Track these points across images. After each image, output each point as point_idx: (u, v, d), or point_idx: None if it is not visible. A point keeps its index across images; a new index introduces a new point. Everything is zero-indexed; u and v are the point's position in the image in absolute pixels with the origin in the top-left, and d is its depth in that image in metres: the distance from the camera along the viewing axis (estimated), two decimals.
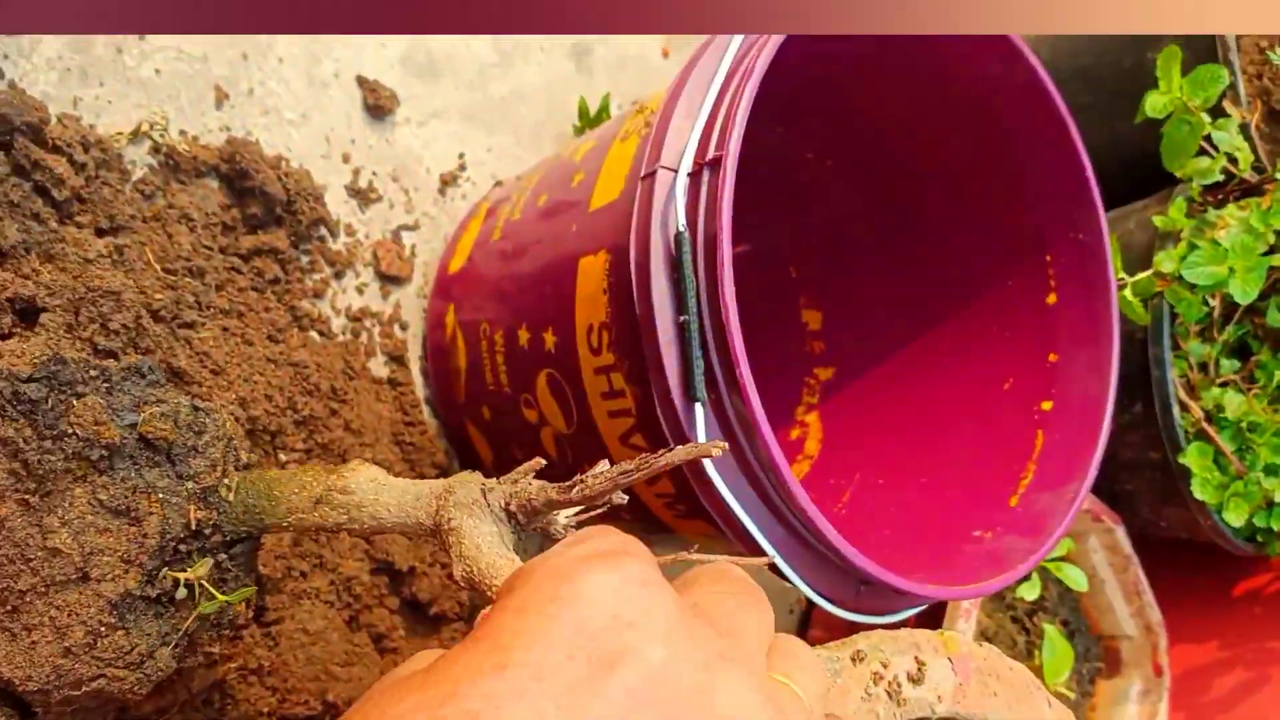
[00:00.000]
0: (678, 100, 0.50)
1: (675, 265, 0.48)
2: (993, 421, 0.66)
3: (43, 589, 0.41)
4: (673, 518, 0.57)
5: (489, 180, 0.75)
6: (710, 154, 0.48)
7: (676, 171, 0.48)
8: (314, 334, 0.65)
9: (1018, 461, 0.64)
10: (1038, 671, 0.81)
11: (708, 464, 0.48)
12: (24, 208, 0.55)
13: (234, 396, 0.56)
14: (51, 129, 0.56)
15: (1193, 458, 0.76)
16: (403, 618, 0.65)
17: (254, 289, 0.63)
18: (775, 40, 0.49)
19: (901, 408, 0.71)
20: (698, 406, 0.48)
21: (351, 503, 0.43)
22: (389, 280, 0.69)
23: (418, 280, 0.70)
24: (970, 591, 0.55)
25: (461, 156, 0.74)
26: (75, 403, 0.42)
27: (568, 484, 0.38)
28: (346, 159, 0.69)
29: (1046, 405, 0.65)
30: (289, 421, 0.60)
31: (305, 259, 0.66)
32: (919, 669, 0.47)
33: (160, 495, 0.43)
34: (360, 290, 0.68)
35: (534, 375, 0.58)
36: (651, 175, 0.49)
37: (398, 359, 0.68)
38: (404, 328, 0.69)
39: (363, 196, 0.69)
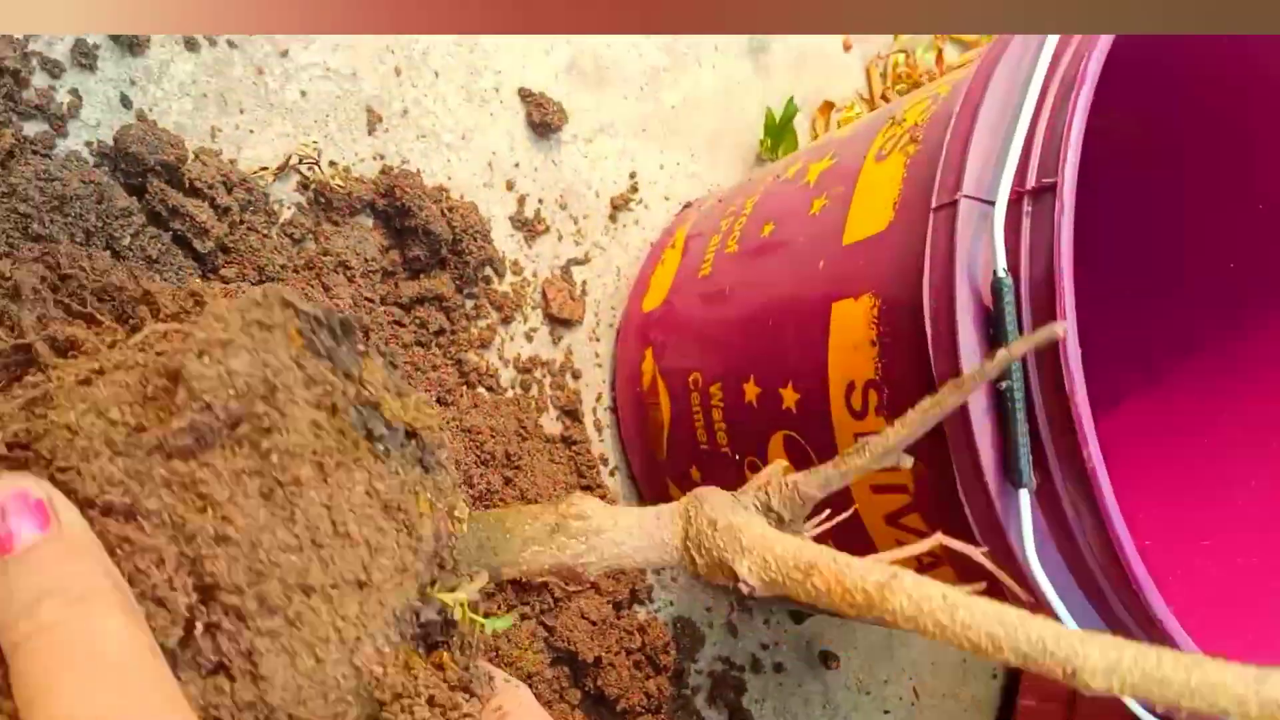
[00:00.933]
0: (976, 113, 0.40)
1: (990, 318, 0.38)
2: None
3: (331, 589, 0.31)
4: None
5: (661, 202, 0.66)
6: (1032, 180, 0.38)
7: (993, 203, 0.38)
8: (483, 390, 0.56)
9: None
10: None
11: (1030, 557, 0.39)
12: (165, 263, 0.47)
13: None
14: (189, 167, 0.48)
15: None
16: (585, 713, 0.57)
17: (419, 343, 0.54)
18: (1106, 41, 0.39)
19: (1168, 450, 0.61)
20: (1022, 493, 0.38)
21: (590, 528, 0.35)
22: (559, 323, 0.60)
23: (589, 322, 0.62)
24: None
25: (633, 176, 0.65)
26: (364, 360, 0.33)
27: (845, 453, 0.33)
28: (510, 186, 0.60)
29: None
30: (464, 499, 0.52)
31: (470, 304, 0.57)
32: None
33: (429, 497, 0.34)
34: (529, 336, 0.59)
35: (765, 437, 0.49)
36: (951, 206, 0.39)
37: (571, 413, 0.59)
38: (576, 376, 0.60)
39: (529, 229, 0.60)
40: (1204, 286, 0.60)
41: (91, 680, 0.25)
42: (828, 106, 0.72)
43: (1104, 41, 0.39)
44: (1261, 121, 0.53)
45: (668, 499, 0.58)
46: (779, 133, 0.67)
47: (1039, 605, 0.39)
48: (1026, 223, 0.38)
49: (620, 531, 0.35)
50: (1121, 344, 0.64)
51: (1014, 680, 0.77)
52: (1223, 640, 0.49)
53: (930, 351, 0.40)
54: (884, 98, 0.74)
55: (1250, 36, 0.47)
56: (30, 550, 0.26)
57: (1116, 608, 0.40)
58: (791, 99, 0.68)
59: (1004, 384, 0.38)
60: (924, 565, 0.45)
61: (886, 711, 0.71)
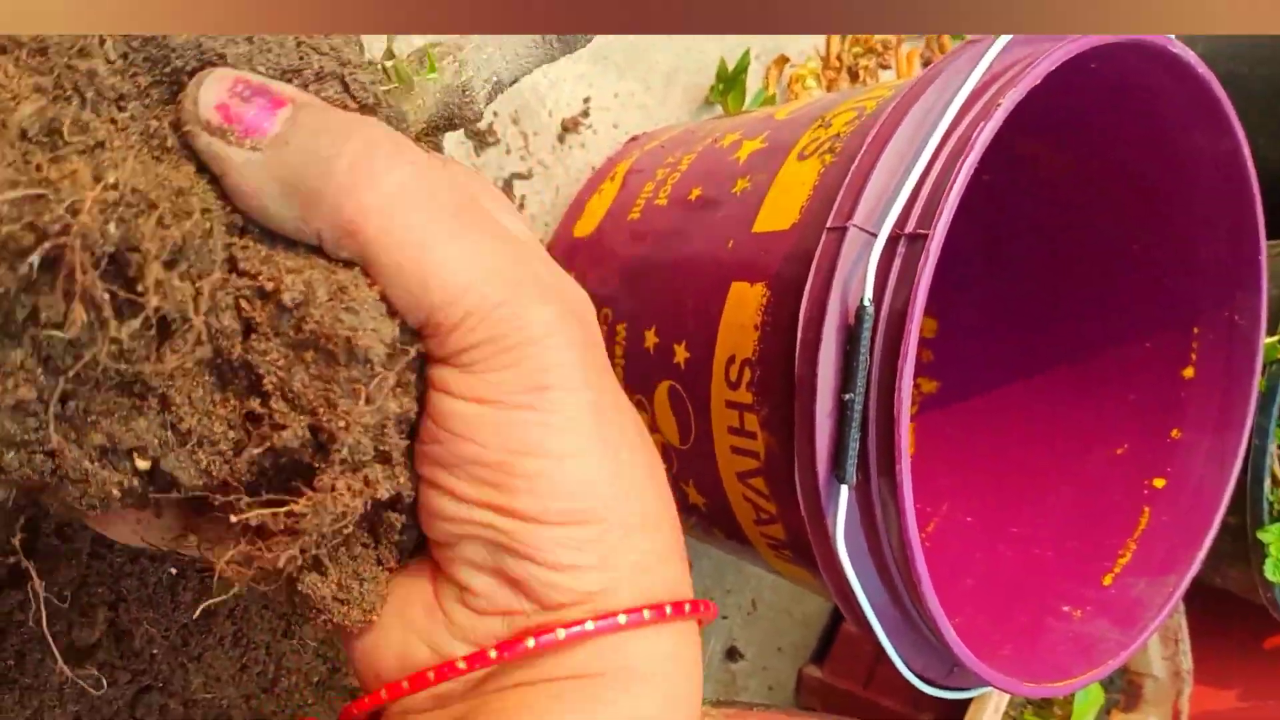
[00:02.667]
0: (883, 149, 0.45)
1: (849, 338, 0.44)
2: (1097, 486, 0.64)
3: None
4: (773, 556, 0.55)
5: (610, 129, 0.70)
6: (911, 225, 0.43)
7: (875, 236, 0.44)
8: None
9: (1117, 536, 0.62)
10: (1064, 705, 0.81)
11: (839, 541, 0.46)
12: None
13: None
14: None
15: (1272, 536, 0.75)
16: None
17: None
18: (1003, 111, 0.44)
19: (1002, 446, 0.69)
20: (843, 488, 0.45)
21: None
22: None
23: None
24: (1062, 689, 0.54)
25: (586, 101, 0.69)
26: None
27: None
28: None
29: (1159, 482, 0.62)
30: None
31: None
32: None
33: None
34: None
35: (654, 383, 0.55)
36: (841, 231, 0.45)
37: None
38: None
39: (480, 139, 0.64)
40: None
41: (475, 223, 0.27)
42: (782, 60, 0.76)
43: (1009, 99, 0.44)
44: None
45: None
46: (730, 82, 0.70)
47: (835, 566, 0.47)
48: (897, 262, 0.44)
49: None
50: (985, 364, 0.71)
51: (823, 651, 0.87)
52: (985, 614, 0.58)
53: (797, 349, 0.46)
54: (839, 58, 0.78)
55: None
56: (308, 111, 0.26)
57: (901, 591, 0.47)
58: (747, 51, 0.71)
59: (848, 395, 0.44)
60: (761, 520, 0.53)
61: (724, 616, 0.80)
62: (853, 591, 0.47)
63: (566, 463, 0.27)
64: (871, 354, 0.44)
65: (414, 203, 0.26)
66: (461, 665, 0.28)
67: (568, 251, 0.64)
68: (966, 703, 0.74)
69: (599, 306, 0.59)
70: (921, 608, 0.47)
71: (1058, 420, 0.67)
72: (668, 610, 0.28)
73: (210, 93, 0.25)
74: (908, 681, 0.77)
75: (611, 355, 0.58)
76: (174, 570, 0.48)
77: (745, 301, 0.50)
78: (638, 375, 0.56)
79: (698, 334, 0.52)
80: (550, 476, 0.27)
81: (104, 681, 0.44)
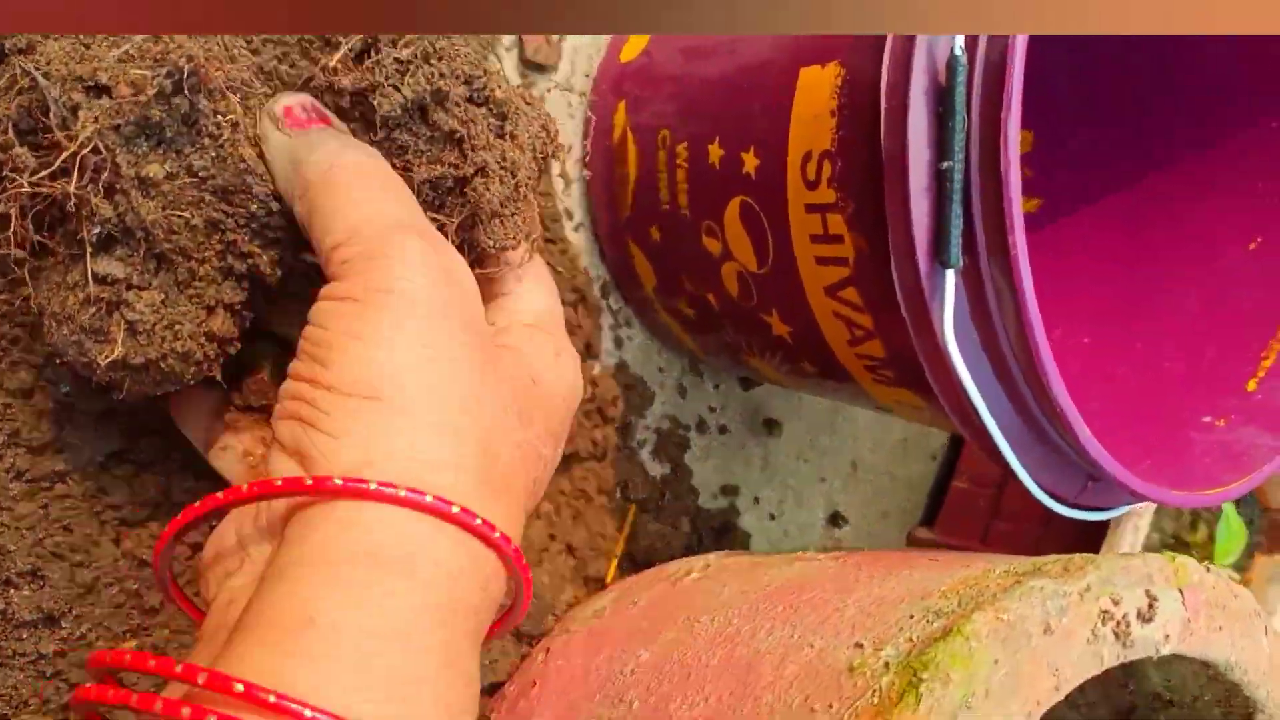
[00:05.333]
0: None
1: (942, 98, 0.38)
2: (1231, 287, 0.57)
3: None
4: (872, 382, 0.49)
5: None
6: None
7: None
8: None
9: (1259, 338, 0.55)
10: (1204, 546, 0.75)
11: (950, 339, 0.40)
12: None
13: None
14: None
15: None
16: None
17: None
18: None
19: (1116, 260, 0.62)
20: (949, 273, 0.39)
21: None
22: (534, 68, 0.59)
23: (564, 69, 0.61)
24: (1214, 497, 0.48)
25: None
26: None
27: None
28: None
29: None
30: None
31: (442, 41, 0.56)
32: (1150, 606, 0.41)
33: None
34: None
35: (723, 201, 0.50)
36: None
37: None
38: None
39: None
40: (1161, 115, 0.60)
41: (385, 193, 0.35)
42: None
43: None
44: None
45: (629, 258, 0.60)
46: None
47: (946, 373, 0.41)
48: None
49: None
50: (1091, 154, 0.64)
51: (950, 462, 0.81)
52: (1116, 435, 0.52)
53: (882, 123, 0.40)
54: None
55: None
56: (317, 128, 0.36)
57: (1024, 391, 0.42)
58: None
59: (945, 164, 0.38)
60: (855, 339, 0.47)
61: (823, 479, 0.75)
62: (967, 398, 0.42)
63: (379, 349, 0.31)
64: (969, 113, 0.38)
65: (340, 180, 0.34)
66: (245, 490, 0.31)
67: (616, 79, 0.58)
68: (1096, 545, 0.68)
69: (655, 135, 0.54)
70: (1048, 407, 0.41)
71: (1178, 222, 0.60)
72: (428, 499, 0.30)
73: (287, 100, 0.36)
74: (1027, 534, 0.72)
75: (674, 180, 0.53)
76: None
77: (817, 86, 0.44)
78: (703, 196, 0.51)
79: (766, 136, 0.47)
80: (359, 355, 0.31)
81: None
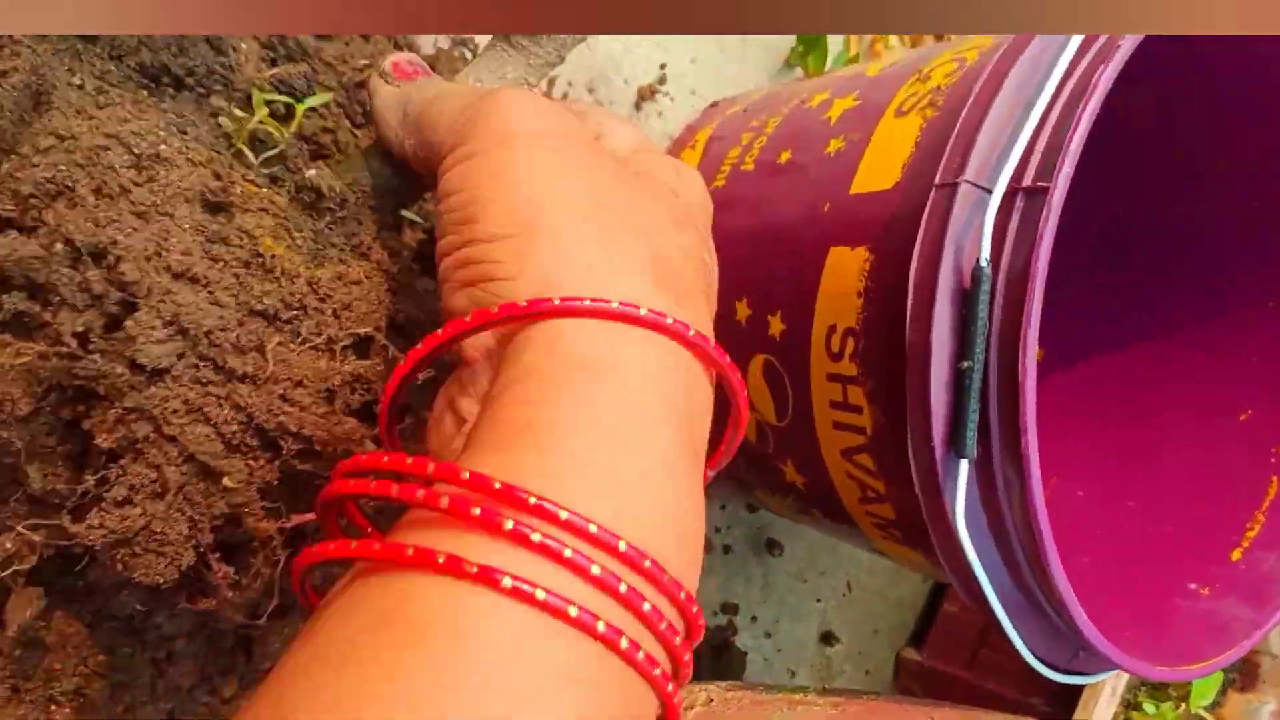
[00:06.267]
0: (992, 99, 0.42)
1: (966, 301, 0.41)
2: (1219, 455, 0.60)
3: None
4: (879, 536, 0.52)
5: (687, 96, 0.67)
6: (1029, 179, 0.40)
7: (989, 192, 0.41)
8: None
9: (1245, 508, 0.58)
10: (1181, 686, 0.77)
11: (959, 520, 0.43)
12: None
13: None
14: None
15: None
16: None
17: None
18: (1124, 51, 0.40)
19: (1113, 416, 0.65)
20: (963, 463, 0.42)
21: None
22: None
23: None
24: (1196, 672, 0.50)
25: (663, 68, 0.66)
26: None
27: None
28: None
29: None
30: None
31: None
32: None
33: None
34: None
35: (748, 357, 0.52)
36: (952, 186, 0.42)
37: None
38: None
39: None
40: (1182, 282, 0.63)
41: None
42: None
43: (1122, 51, 0.40)
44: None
45: None
46: (812, 43, 0.67)
47: (960, 562, 0.44)
48: (1015, 218, 0.40)
49: None
50: (1090, 330, 0.67)
51: (941, 585, 0.83)
52: (1104, 596, 0.54)
53: (908, 315, 0.43)
54: None
55: None
56: (430, 77, 0.41)
57: (1025, 571, 0.44)
58: None
59: (965, 364, 0.41)
60: (867, 499, 0.50)
61: (818, 599, 0.77)
62: (973, 572, 0.44)
63: (521, 184, 0.32)
64: (990, 318, 0.41)
65: (446, 91, 0.37)
66: (468, 320, 0.31)
67: None
68: (1080, 686, 0.70)
69: None
70: (1048, 588, 0.44)
71: (1173, 388, 0.63)
72: (613, 305, 0.29)
73: (395, 56, 0.40)
74: (1014, 663, 0.74)
75: None
76: None
77: (846, 267, 0.47)
78: (729, 351, 0.54)
79: (794, 303, 0.49)
80: (503, 199, 0.32)
81: None
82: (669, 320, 0.30)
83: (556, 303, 0.29)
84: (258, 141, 0.39)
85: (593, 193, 0.33)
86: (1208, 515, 0.58)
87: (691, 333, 0.31)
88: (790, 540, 0.74)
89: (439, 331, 0.32)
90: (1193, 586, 0.56)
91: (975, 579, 0.44)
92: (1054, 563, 0.42)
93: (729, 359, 0.33)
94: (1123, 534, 0.60)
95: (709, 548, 0.70)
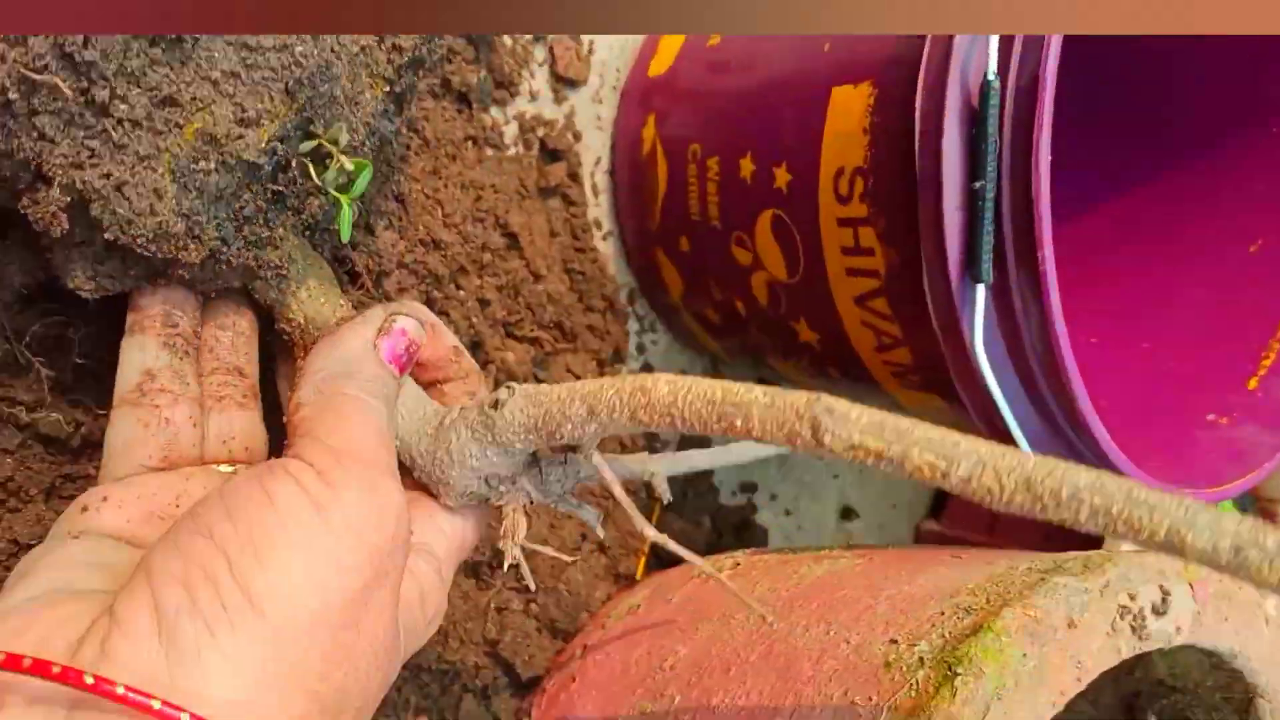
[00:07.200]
0: None
1: (975, 119, 0.40)
2: (1232, 288, 0.60)
3: None
4: (898, 386, 0.52)
5: None
6: None
7: None
8: (489, 150, 0.57)
9: (1260, 337, 0.57)
10: None
11: (978, 348, 0.42)
12: None
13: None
14: None
15: None
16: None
17: (432, 95, 0.55)
18: None
19: (1122, 257, 0.65)
20: (979, 288, 0.42)
21: None
22: (564, 83, 0.61)
23: (594, 83, 0.62)
24: (1218, 495, 0.50)
25: None
26: None
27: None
28: None
29: None
30: (465, 258, 0.54)
31: (474, 52, 0.57)
32: (1163, 600, 0.43)
33: None
34: (533, 96, 0.60)
35: (755, 214, 0.52)
36: None
37: (572, 175, 0.61)
38: (577, 138, 0.62)
39: None
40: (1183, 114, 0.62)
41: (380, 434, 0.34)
42: None
43: None
44: None
45: (656, 267, 0.62)
46: None
47: (982, 395, 0.44)
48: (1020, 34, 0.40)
49: None
50: (1098, 162, 0.66)
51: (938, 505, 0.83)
52: (1125, 432, 0.54)
53: (916, 142, 0.42)
54: None
55: None
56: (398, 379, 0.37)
57: (1049, 401, 0.44)
58: None
59: (978, 184, 0.40)
60: (883, 346, 0.49)
61: (835, 475, 0.77)
62: (994, 404, 0.44)
63: (306, 581, 0.30)
64: (1001, 134, 0.40)
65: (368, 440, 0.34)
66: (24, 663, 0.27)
67: (644, 93, 0.60)
68: (1100, 539, 0.71)
69: (684, 148, 0.56)
70: (1070, 412, 0.44)
71: (1180, 224, 0.63)
72: None
73: (405, 324, 0.38)
74: (1032, 527, 0.74)
75: (704, 193, 0.55)
76: None
77: (849, 105, 0.46)
78: (734, 209, 0.53)
79: (799, 151, 0.48)
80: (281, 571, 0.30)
81: None
82: None
83: (156, 705, 0.26)
84: None
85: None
86: (1222, 350, 0.58)
87: None
88: None
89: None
90: (1211, 417, 0.55)
91: (996, 411, 0.44)
92: (1076, 381, 0.42)
93: None
94: (1139, 376, 0.60)
95: None
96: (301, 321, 0.38)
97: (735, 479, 0.71)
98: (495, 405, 0.35)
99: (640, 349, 0.65)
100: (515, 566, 0.39)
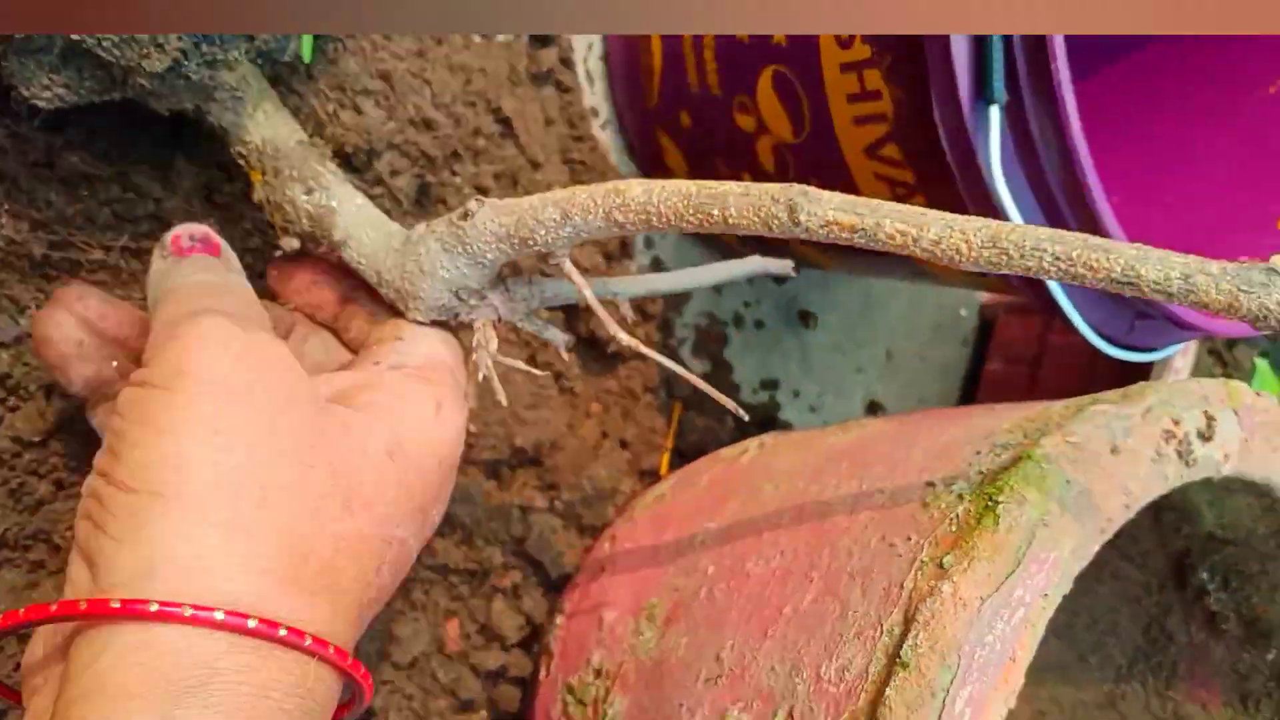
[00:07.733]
0: None
1: None
2: (1253, 137, 0.58)
3: None
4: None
5: None
6: None
7: None
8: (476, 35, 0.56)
9: None
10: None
11: (995, 173, 0.41)
12: None
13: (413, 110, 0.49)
14: None
15: None
16: (577, 355, 0.60)
17: None
18: None
19: (1140, 110, 0.62)
20: (993, 110, 0.40)
21: None
22: None
23: None
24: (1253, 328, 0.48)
25: None
26: None
27: None
28: None
29: None
30: (459, 142, 0.52)
31: None
32: (1209, 425, 0.42)
33: None
34: None
35: (755, 74, 0.50)
36: None
37: (564, 60, 0.59)
38: None
39: None
40: None
41: (207, 293, 0.34)
42: None
43: None
44: None
45: (659, 150, 0.60)
46: None
47: (988, 207, 0.42)
48: None
49: None
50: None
51: (982, 345, 0.82)
52: None
53: None
54: None
55: None
56: (196, 256, 0.36)
57: (1072, 227, 0.42)
58: None
59: None
60: (898, 197, 0.48)
61: (859, 370, 0.75)
62: None
63: (166, 437, 0.28)
64: None
65: (176, 291, 0.34)
66: (20, 614, 0.28)
67: None
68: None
69: None
70: (1098, 233, 0.42)
71: (1197, 73, 0.60)
72: (218, 615, 0.27)
73: (179, 229, 0.36)
74: None
75: (701, 60, 0.53)
76: None
77: None
78: (733, 71, 0.51)
79: None
80: (145, 449, 0.28)
81: None
82: (281, 631, 0.28)
83: (153, 608, 0.26)
84: None
85: (247, 463, 0.29)
86: (1251, 192, 0.56)
87: (308, 641, 0.28)
88: (824, 310, 0.72)
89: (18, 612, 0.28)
90: (1245, 260, 0.54)
91: None
92: (1099, 199, 0.40)
93: (358, 664, 0.31)
94: (1166, 227, 0.58)
95: (741, 324, 0.68)
96: (259, 144, 0.37)
97: (756, 376, 0.69)
98: (465, 216, 0.34)
99: (648, 243, 0.63)
100: (489, 377, 0.37)
